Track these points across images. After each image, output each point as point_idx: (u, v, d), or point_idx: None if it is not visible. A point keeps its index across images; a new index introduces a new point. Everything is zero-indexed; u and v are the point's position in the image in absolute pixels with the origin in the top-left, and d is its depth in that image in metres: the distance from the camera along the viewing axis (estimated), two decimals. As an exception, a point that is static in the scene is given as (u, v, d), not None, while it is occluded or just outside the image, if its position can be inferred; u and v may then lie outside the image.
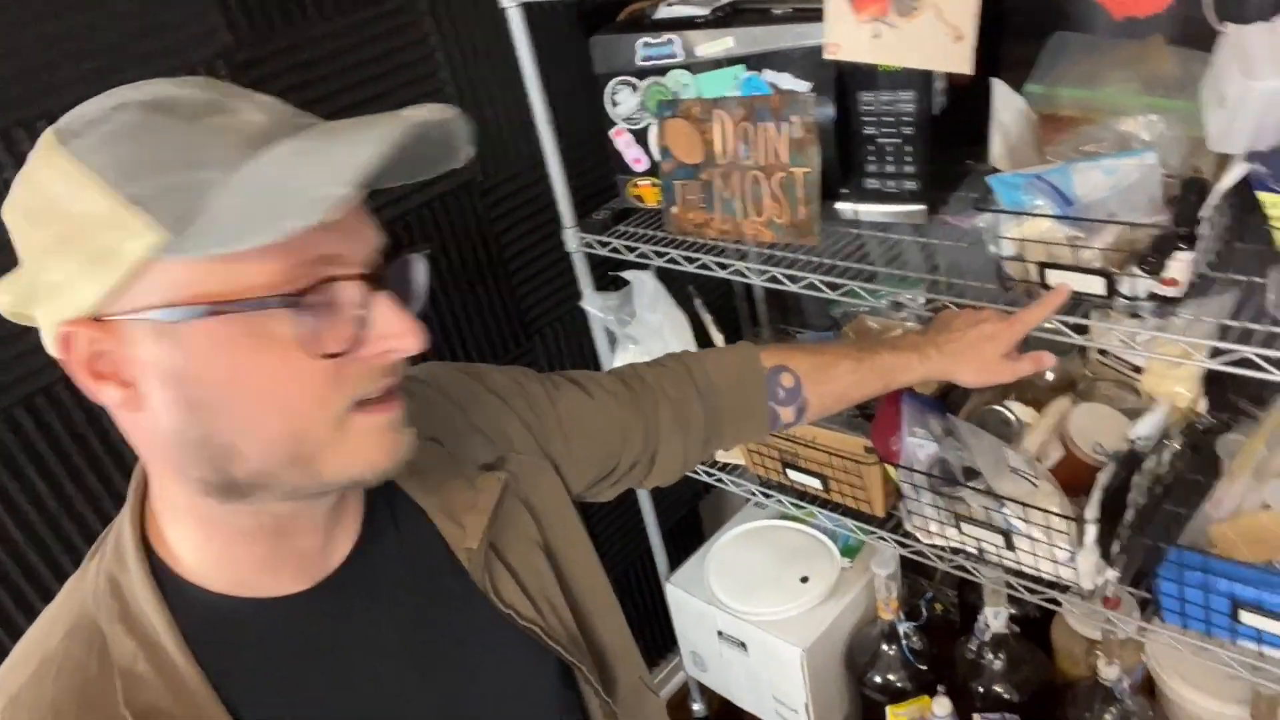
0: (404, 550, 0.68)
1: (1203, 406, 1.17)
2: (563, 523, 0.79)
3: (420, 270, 0.60)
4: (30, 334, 0.57)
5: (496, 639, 0.71)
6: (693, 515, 2.00)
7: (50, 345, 0.54)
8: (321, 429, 0.54)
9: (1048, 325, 0.99)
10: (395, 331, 0.54)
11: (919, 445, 1.20)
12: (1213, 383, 1.17)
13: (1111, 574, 1.12)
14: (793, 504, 1.41)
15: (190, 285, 0.50)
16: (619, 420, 0.87)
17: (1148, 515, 1.17)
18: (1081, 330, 0.98)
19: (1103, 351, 1.24)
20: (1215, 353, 0.89)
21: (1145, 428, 1.08)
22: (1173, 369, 1.15)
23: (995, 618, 1.39)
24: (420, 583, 0.68)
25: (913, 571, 1.63)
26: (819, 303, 1.56)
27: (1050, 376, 1.27)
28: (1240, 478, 1.11)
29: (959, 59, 0.88)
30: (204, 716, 0.57)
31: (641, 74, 1.28)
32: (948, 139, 1.16)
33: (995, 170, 0.97)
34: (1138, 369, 1.21)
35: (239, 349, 0.51)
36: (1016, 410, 1.23)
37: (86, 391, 0.53)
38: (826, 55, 0.97)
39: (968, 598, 1.65)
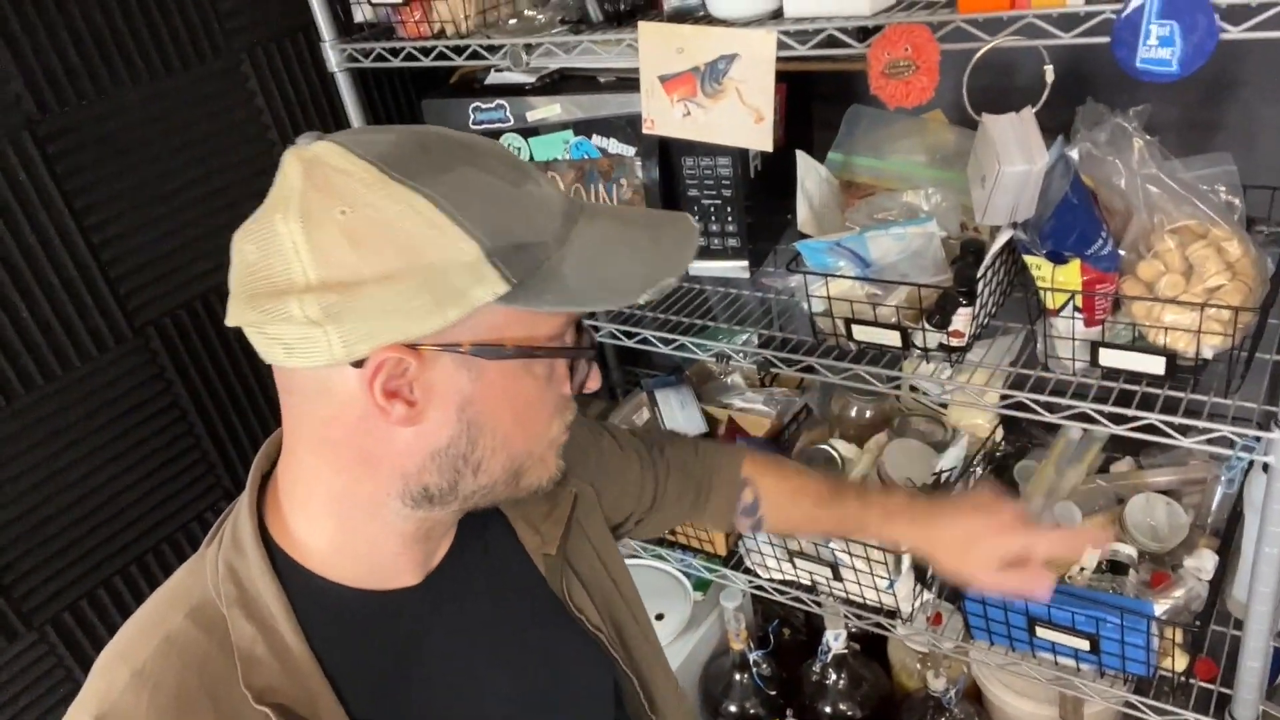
0: (489, 554, 0.75)
1: (999, 436, 1.29)
2: (609, 545, 0.87)
3: None
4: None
5: (566, 642, 0.78)
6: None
7: (328, 359, 0.55)
8: (542, 447, 0.66)
9: (861, 375, 1.07)
10: (594, 371, 0.67)
11: (753, 486, 1.27)
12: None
13: (928, 596, 1.22)
14: (641, 547, 1.46)
15: (504, 329, 0.58)
16: (639, 477, 0.94)
17: (959, 538, 1.28)
18: (893, 381, 1.06)
19: (914, 388, 1.35)
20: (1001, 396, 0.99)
21: (949, 460, 1.18)
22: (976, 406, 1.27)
23: (835, 640, 1.47)
24: (502, 584, 0.75)
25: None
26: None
27: (869, 414, 1.37)
28: (1034, 500, 1.24)
29: (760, 138, 0.95)
30: (314, 696, 0.62)
31: (474, 137, 1.31)
32: (767, 197, 1.24)
33: (803, 235, 1.04)
34: (944, 405, 1.33)
35: (519, 383, 0.61)
36: (840, 447, 1.32)
37: (353, 403, 0.57)
38: (645, 129, 1.03)
39: (815, 619, 1.74)
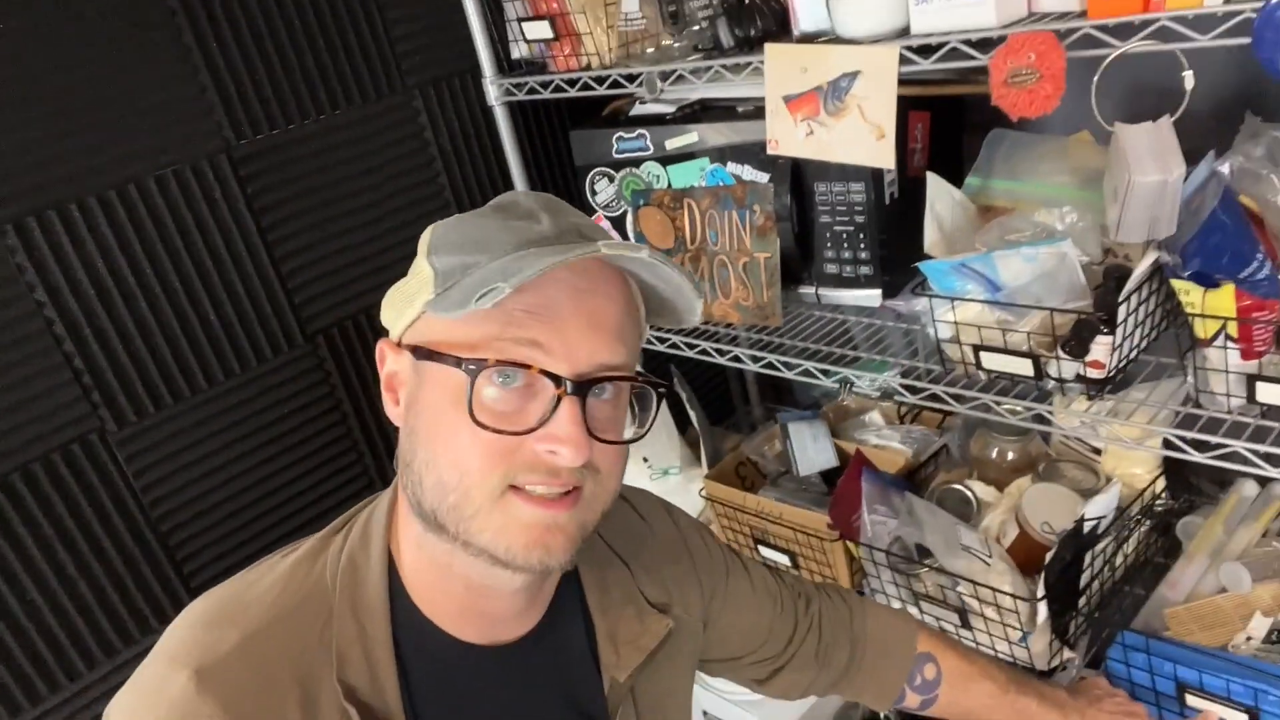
0: (565, 655, 0.75)
1: (1160, 487, 1.18)
2: (686, 683, 0.86)
3: (642, 401, 0.67)
4: None
5: None
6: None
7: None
8: (479, 494, 0.61)
9: (1003, 409, 1.02)
10: (559, 436, 0.59)
11: (879, 522, 1.22)
12: (1173, 464, 1.18)
13: (1069, 655, 1.12)
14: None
15: (432, 334, 0.63)
16: (767, 624, 0.92)
17: (1111, 596, 1.17)
18: (1022, 414, 1.00)
19: (1043, 418, 1.25)
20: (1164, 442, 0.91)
21: (1096, 508, 1.09)
22: (1131, 450, 1.16)
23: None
24: (567, 688, 0.75)
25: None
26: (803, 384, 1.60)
27: (1011, 456, 1.29)
28: (1197, 560, 1.12)
29: (881, 155, 0.93)
30: (390, 714, 0.65)
31: (617, 165, 1.37)
32: (904, 226, 1.21)
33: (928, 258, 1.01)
34: (1097, 450, 1.23)
35: (439, 394, 0.62)
36: (977, 489, 1.24)
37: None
38: (769, 150, 1.04)
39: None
